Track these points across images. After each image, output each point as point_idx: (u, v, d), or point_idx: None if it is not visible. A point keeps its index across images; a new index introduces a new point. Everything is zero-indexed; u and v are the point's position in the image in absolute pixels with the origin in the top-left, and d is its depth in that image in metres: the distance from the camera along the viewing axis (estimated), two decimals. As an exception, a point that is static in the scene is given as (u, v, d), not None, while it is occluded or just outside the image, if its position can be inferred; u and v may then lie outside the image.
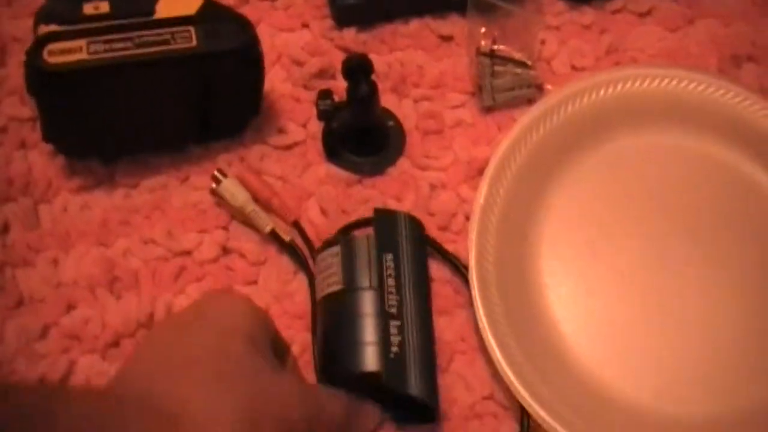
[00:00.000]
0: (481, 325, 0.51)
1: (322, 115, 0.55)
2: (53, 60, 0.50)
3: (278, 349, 0.45)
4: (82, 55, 0.50)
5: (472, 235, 0.53)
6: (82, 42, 0.51)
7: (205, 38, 0.51)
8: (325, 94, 0.54)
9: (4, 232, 0.56)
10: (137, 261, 0.54)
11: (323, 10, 0.61)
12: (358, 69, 0.53)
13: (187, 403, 0.38)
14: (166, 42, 0.51)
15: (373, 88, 0.53)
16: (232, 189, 0.54)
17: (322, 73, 0.59)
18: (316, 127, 0.57)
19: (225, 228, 0.55)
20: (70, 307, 0.54)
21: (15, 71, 0.59)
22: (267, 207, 0.54)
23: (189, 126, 0.55)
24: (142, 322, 0.52)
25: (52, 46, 0.50)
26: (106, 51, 0.50)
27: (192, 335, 0.42)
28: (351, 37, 0.60)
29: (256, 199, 0.54)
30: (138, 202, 0.56)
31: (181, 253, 0.54)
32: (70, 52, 0.50)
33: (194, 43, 0.51)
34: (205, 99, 0.53)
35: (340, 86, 0.57)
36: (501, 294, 0.52)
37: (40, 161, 0.57)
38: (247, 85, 0.54)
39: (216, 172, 0.54)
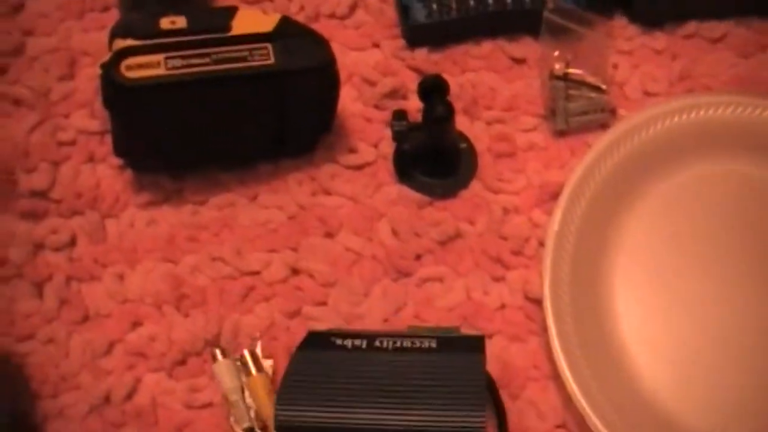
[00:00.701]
0: (555, 354, 0.50)
1: (396, 136, 0.54)
2: (131, 74, 0.49)
3: None
4: (160, 71, 0.50)
5: (547, 262, 0.52)
6: (159, 57, 0.50)
7: (283, 56, 0.51)
8: (400, 115, 0.53)
9: (70, 246, 0.55)
10: (205, 279, 0.54)
11: (394, 30, 0.61)
12: (434, 90, 0.52)
13: None
14: (243, 59, 0.50)
15: (450, 110, 0.52)
16: (223, 371, 0.50)
17: (394, 94, 0.58)
18: (388, 147, 0.57)
19: (294, 249, 0.54)
20: (136, 324, 0.53)
21: (85, 84, 0.59)
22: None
23: (261, 143, 0.55)
24: (210, 341, 0.52)
25: (130, 61, 0.50)
26: (184, 66, 0.50)
27: None
28: (422, 57, 0.60)
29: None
30: (206, 218, 0.55)
31: (249, 273, 0.54)
32: (148, 66, 0.50)
33: (272, 60, 0.51)
34: (280, 116, 0.53)
35: (410, 107, 0.56)
36: (575, 322, 0.51)
37: (109, 175, 0.57)
38: (322, 103, 0.54)
39: (215, 349, 0.51)
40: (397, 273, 0.53)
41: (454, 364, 0.45)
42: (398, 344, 0.46)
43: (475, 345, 0.47)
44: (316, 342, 0.47)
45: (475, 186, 0.56)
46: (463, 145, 0.57)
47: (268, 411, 0.49)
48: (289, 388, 0.45)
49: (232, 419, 0.50)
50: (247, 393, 0.50)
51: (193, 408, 0.51)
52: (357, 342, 0.46)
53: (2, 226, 0.55)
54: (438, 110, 0.52)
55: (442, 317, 0.52)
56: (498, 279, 0.53)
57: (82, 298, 0.54)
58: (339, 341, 0.46)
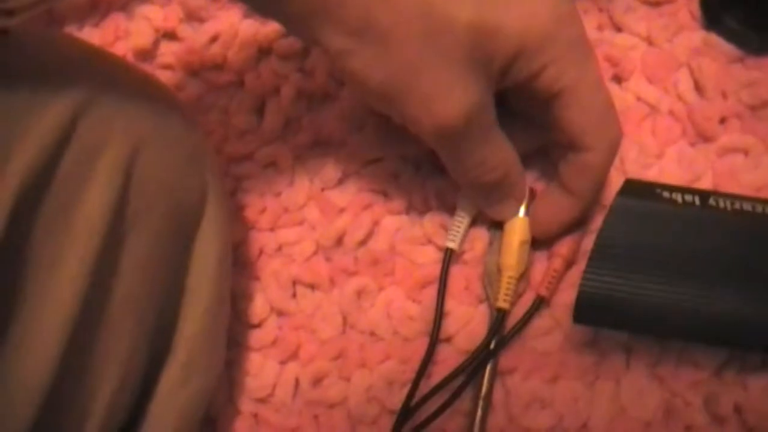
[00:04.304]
0: None
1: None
2: None
3: None
4: None
5: None
6: None
7: None
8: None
9: (303, 55, 0.47)
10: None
11: None
12: None
13: None
14: None
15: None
16: (515, 230, 0.41)
17: None
18: (692, -16, 0.46)
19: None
20: (376, 158, 0.44)
21: None
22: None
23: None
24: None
25: None
26: None
27: None
28: None
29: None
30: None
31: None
32: None
33: None
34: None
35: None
36: None
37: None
38: None
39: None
40: (697, 136, 0.44)
41: None
42: (737, 206, 0.37)
43: None
44: (637, 191, 0.38)
45: (797, 45, 0.45)
46: (785, -6, 0.46)
47: (512, 267, 0.40)
48: (605, 244, 0.36)
49: (487, 285, 0.41)
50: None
51: (438, 262, 0.42)
52: (688, 197, 0.37)
53: (225, 22, 0.46)
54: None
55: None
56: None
57: (312, 119, 0.45)
58: (666, 194, 0.37)
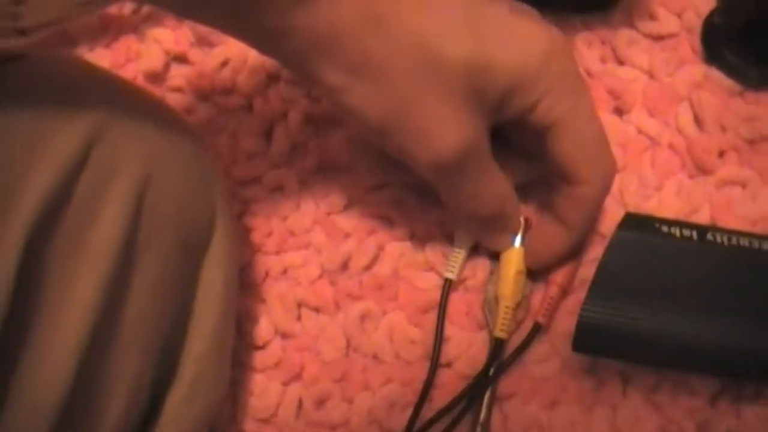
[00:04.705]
0: None
1: (724, 8, 0.44)
2: None
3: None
4: None
5: None
6: None
7: None
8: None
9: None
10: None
11: None
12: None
13: None
14: None
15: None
16: (512, 260, 0.42)
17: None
18: (693, 19, 0.47)
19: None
20: (383, 185, 0.45)
21: None
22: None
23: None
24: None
25: None
26: None
27: None
28: None
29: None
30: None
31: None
32: None
33: None
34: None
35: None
36: None
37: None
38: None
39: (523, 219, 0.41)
40: (696, 169, 0.45)
41: None
42: (734, 242, 0.38)
43: None
44: (637, 225, 0.38)
45: (796, 80, 0.46)
46: (783, 28, 0.47)
47: (508, 297, 0.41)
48: (605, 275, 0.37)
49: (487, 313, 0.42)
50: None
51: (440, 289, 0.43)
52: (686, 231, 0.38)
53: (234, 47, 0.47)
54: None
55: (743, 228, 0.43)
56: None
57: (319, 144, 0.46)
58: (665, 228, 0.38)
